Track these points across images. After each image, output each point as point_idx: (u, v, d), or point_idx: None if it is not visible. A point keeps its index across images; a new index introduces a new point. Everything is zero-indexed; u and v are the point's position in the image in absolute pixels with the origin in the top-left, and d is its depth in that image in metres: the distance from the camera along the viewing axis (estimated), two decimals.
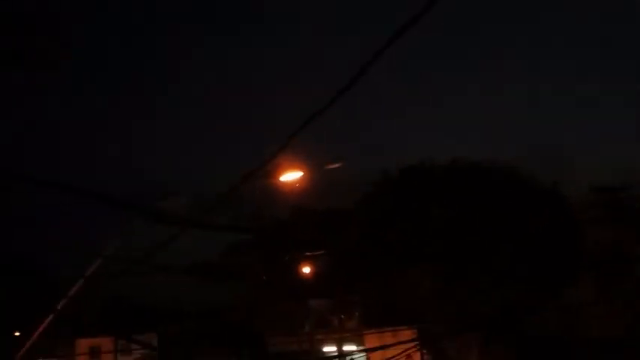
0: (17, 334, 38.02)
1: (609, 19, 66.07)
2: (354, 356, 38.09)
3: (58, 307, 17.25)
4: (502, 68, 69.73)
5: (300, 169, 20.21)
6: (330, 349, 41.53)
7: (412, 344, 29.62)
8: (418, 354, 32.86)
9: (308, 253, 37.09)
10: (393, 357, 25.49)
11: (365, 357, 36.77)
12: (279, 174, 17.96)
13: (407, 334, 32.24)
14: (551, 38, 69.54)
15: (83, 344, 48.53)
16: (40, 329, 17.62)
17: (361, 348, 38.16)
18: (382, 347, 28.92)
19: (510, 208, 26.35)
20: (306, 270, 38.77)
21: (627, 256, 26.60)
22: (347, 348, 40.18)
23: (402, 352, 27.12)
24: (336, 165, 22.74)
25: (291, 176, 18.41)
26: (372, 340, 35.41)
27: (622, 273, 26.65)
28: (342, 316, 41.92)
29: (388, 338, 31.77)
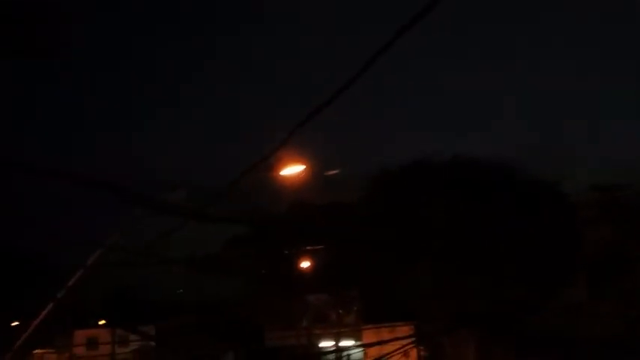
0: (15, 323, 38.07)
1: (609, 19, 66.02)
2: (351, 351, 38.15)
3: (58, 297, 17.27)
4: (502, 67, 69.74)
5: (302, 163, 20.23)
6: (327, 344, 41.58)
7: (409, 340, 29.68)
8: (415, 350, 32.89)
9: (307, 248, 37.17)
10: (391, 353, 25.55)
11: (362, 352, 36.83)
12: (281, 168, 17.97)
13: (404, 330, 32.32)
14: (551, 38, 69.48)
15: (81, 335, 48.63)
16: (39, 319, 17.64)
17: (359, 343, 38.21)
18: (380, 343, 28.97)
19: (510, 206, 26.36)
20: (305, 264, 38.82)
21: (625, 255, 26.61)
22: (345, 343, 40.23)
23: (400, 348, 27.16)
24: (335, 172, 22.85)
25: (292, 170, 18.42)
26: (369, 336, 35.46)
27: (621, 272, 26.67)
28: (340, 312, 41.99)
29: (386, 334, 31.82)
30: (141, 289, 50.83)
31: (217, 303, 44.39)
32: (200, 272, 41.96)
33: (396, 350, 25.31)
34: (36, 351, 46.47)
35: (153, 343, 46.98)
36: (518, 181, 28.19)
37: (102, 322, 51.28)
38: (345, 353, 38.15)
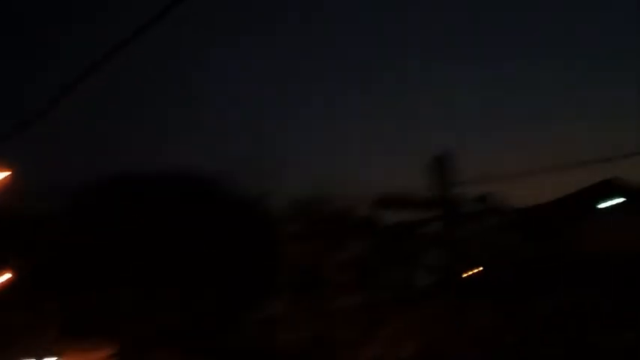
0: None
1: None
2: None
3: None
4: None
5: (7, 168, 18.77)
6: None
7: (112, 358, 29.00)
8: None
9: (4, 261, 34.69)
10: None
11: None
12: None
13: (107, 348, 31.35)
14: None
15: None
16: None
17: None
18: None
19: (212, 221, 26.63)
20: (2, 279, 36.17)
21: (318, 270, 27.94)
22: None
23: None
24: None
25: None
26: (72, 354, 34.00)
27: (314, 287, 27.97)
28: (41, 328, 39.75)
29: (88, 352, 30.75)
30: None
31: None
32: None
33: None
34: None
35: None
36: (223, 195, 28.57)
37: None
38: None
